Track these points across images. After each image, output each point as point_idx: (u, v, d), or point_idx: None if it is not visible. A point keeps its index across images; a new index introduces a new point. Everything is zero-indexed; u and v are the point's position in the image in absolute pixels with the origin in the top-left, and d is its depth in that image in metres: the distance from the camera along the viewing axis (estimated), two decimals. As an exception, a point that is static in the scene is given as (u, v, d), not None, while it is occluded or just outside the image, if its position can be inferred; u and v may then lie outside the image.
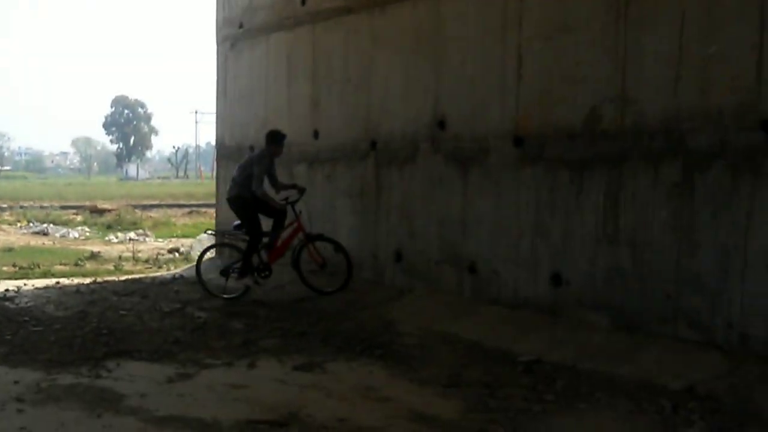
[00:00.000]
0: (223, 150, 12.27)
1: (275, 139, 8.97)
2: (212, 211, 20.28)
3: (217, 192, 12.45)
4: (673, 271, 6.07)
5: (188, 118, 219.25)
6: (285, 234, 9.17)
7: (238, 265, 9.14)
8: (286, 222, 9.14)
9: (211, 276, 9.58)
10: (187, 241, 16.08)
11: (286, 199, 9.09)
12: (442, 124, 8.25)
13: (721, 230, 5.76)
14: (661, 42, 6.22)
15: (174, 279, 10.95)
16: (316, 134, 10.05)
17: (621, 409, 5.19)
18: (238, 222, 9.17)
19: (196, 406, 5.31)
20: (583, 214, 6.80)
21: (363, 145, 9.34)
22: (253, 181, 8.79)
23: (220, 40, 12.19)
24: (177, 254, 14.88)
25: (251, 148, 10.96)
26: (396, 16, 8.82)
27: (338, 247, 9.10)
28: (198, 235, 16.05)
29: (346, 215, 9.65)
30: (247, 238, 9.06)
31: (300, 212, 9.10)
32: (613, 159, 6.56)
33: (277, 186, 9.19)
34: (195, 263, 9.94)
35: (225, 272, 9.25)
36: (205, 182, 48.99)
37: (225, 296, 9.18)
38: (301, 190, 9.17)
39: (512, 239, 7.44)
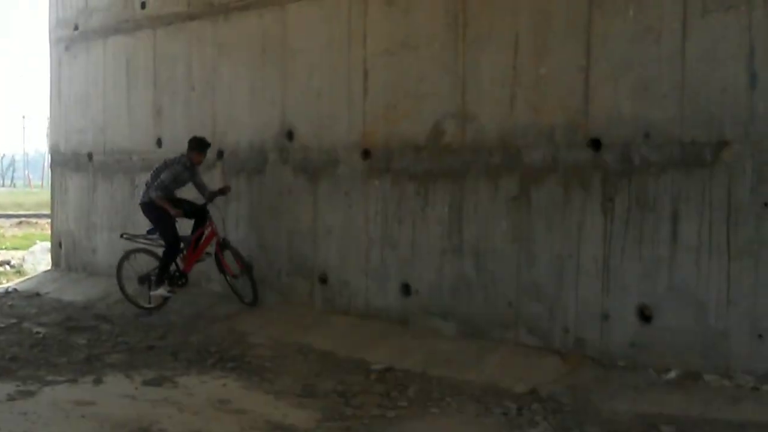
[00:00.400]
0: (58, 157, 11.71)
1: (197, 145, 8.45)
2: (44, 221, 19.24)
3: (53, 201, 11.90)
4: (514, 280, 6.46)
5: (15, 124, 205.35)
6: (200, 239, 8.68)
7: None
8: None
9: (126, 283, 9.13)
10: (18, 253, 15.22)
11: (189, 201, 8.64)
12: (290, 135, 8.30)
13: (556, 241, 6.19)
14: (497, 62, 6.56)
15: (7, 293, 10.38)
16: (159, 142, 9.82)
17: (470, 413, 5.45)
18: (151, 227, 8.69)
19: (41, 424, 5.12)
20: (429, 225, 7.08)
21: (209, 155, 9.23)
22: (155, 184, 8.35)
23: (54, 42, 11.61)
24: (8, 267, 14.05)
25: (89, 156, 10.56)
26: (241, 25, 8.77)
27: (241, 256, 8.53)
28: (30, 246, 15.22)
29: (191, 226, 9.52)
30: (162, 243, 8.62)
31: (210, 217, 8.52)
32: (456, 173, 6.87)
33: (206, 194, 8.62)
34: (116, 270, 9.16)
35: (143, 280, 8.81)
36: (35, 191, 46.22)
37: (148, 306, 8.80)
38: (222, 191, 8.61)
39: (362, 250, 7.62)
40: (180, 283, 8.72)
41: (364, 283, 7.61)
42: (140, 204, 8.64)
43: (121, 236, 8.91)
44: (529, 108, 6.37)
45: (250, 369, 6.66)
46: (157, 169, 8.55)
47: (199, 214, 8.60)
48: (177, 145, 9.54)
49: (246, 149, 8.82)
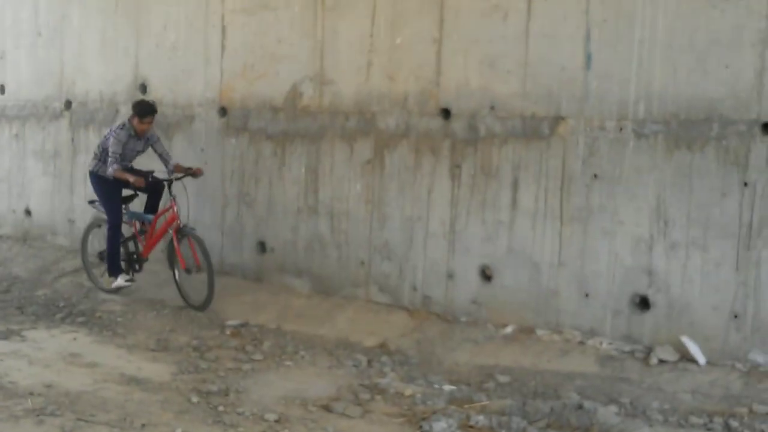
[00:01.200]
0: None
1: (139, 111, 7.10)
2: None
3: None
4: (366, 240, 6.75)
5: None
6: (159, 221, 7.39)
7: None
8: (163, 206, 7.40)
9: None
10: None
11: (154, 175, 7.25)
12: (144, 88, 8.18)
13: (407, 203, 6.52)
14: (355, 29, 6.74)
15: None
16: (2, 89, 9.37)
17: (322, 365, 5.72)
18: (95, 198, 7.55)
19: None
20: (285, 185, 7.24)
21: (56, 104, 8.93)
22: (108, 159, 7.11)
23: None
24: None
25: None
26: (91, -28, 8.48)
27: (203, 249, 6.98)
28: None
29: (38, 177, 9.21)
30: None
31: (174, 196, 7.12)
32: (313, 135, 7.04)
33: (170, 167, 7.30)
34: (80, 242, 8.07)
35: (103, 257, 7.61)
36: None
37: (108, 289, 7.61)
38: (193, 172, 7.24)
39: (218, 207, 7.70)
40: (138, 267, 7.58)
41: (220, 240, 7.70)
42: (89, 173, 7.50)
43: (90, 203, 7.67)
44: (384, 76, 6.61)
45: (101, 324, 6.66)
46: (105, 137, 7.32)
47: (158, 188, 7.40)
48: (21, 92, 9.17)
49: (96, 100, 8.60)
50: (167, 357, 5.81)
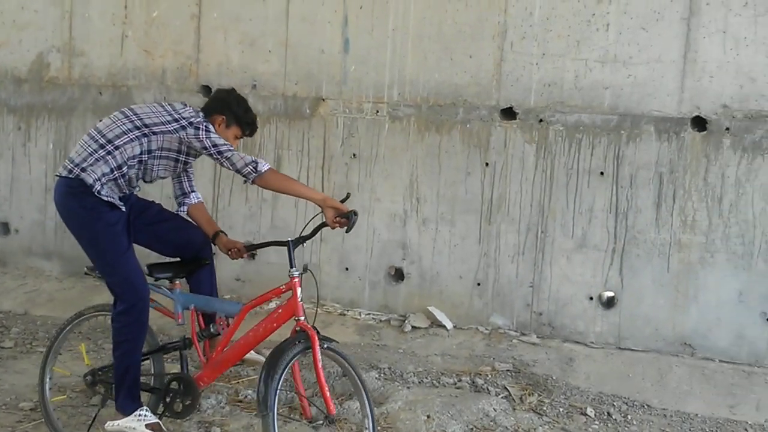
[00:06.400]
0: None
1: (250, 122, 3.98)
2: None
3: None
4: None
5: None
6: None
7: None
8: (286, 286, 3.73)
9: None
10: None
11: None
12: None
13: (167, 183, 6.37)
14: (107, 0, 6.49)
15: None
16: None
17: (76, 348, 5.50)
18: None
19: None
20: (31, 162, 6.80)
21: None
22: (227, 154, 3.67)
23: None
24: None
25: None
26: None
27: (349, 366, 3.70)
28: None
29: None
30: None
31: (306, 269, 3.70)
32: (62, 108, 6.67)
33: (187, 202, 4.08)
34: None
35: (95, 379, 4.01)
36: None
37: None
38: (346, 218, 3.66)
39: (-49, 186, 7.06)
40: (181, 407, 3.80)
41: (-46, 222, 7.08)
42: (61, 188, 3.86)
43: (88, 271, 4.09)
44: (140, 49, 6.42)
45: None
46: (125, 116, 3.77)
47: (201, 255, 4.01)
48: None
49: None
50: None
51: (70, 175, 3.66)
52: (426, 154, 5.67)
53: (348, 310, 5.89)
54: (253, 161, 3.62)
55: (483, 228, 5.56)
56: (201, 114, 3.82)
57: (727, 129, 4.94)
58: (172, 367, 4.34)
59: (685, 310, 5.10)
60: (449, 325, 5.62)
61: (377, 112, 5.76)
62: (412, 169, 5.71)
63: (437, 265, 5.70)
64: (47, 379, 4.12)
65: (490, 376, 5.00)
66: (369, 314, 5.84)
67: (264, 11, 6.02)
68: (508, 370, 5.07)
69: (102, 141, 3.69)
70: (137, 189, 3.96)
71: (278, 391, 3.31)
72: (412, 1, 5.62)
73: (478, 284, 5.60)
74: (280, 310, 3.65)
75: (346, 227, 3.62)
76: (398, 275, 5.83)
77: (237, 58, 6.13)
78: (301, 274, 3.60)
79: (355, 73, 5.81)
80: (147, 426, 3.64)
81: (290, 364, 3.44)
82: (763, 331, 4.96)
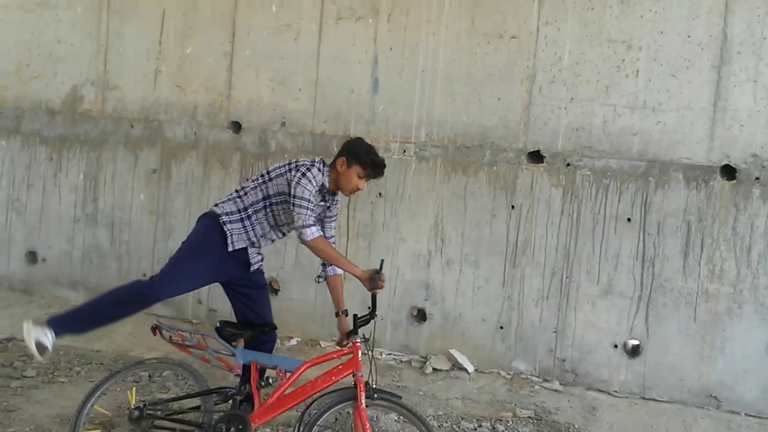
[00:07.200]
0: None
1: (374, 166, 4.11)
2: None
3: None
4: (150, 252, 6.59)
5: None
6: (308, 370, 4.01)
7: None
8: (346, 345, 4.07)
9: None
10: None
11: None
12: None
13: (194, 215, 6.41)
14: (142, 35, 6.59)
15: None
16: None
17: (99, 380, 5.52)
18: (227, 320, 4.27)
19: None
20: (62, 192, 6.89)
21: None
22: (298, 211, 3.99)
23: None
24: None
25: None
26: None
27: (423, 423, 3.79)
28: None
29: None
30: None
31: (365, 338, 3.97)
32: (94, 141, 6.77)
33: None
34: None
35: (140, 417, 4.05)
36: None
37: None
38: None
39: (-18, 213, 7.16)
40: None
41: (-16, 250, 7.16)
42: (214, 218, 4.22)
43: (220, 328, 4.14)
44: (173, 85, 6.52)
45: None
46: (268, 172, 4.20)
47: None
48: None
49: None
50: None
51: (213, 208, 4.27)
52: (452, 195, 5.66)
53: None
54: (307, 226, 3.94)
55: (507, 271, 5.53)
56: (318, 163, 4.12)
57: (757, 179, 4.89)
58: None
59: (712, 361, 5.01)
60: (470, 368, 5.56)
61: (404, 151, 5.78)
62: (438, 210, 5.70)
63: (460, 307, 5.66)
64: (84, 412, 4.12)
65: (510, 422, 4.93)
66: (390, 354, 5.80)
67: (295, 50, 6.09)
68: (529, 417, 4.99)
69: (238, 187, 4.30)
70: (269, 241, 4.30)
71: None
72: (441, 43, 5.66)
73: (501, 327, 5.55)
74: (340, 367, 3.91)
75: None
76: (420, 316, 5.79)
77: (267, 96, 6.20)
78: (363, 341, 3.91)
79: (383, 113, 5.85)
80: (39, 343, 3.85)
81: (331, 410, 3.79)
82: (792, 385, 4.85)
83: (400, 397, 3.86)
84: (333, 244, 4.26)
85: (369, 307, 4.00)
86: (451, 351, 5.61)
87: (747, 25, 4.90)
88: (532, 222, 5.44)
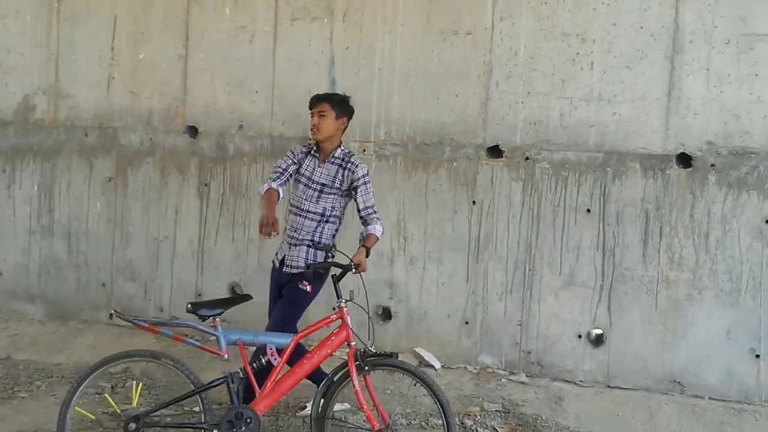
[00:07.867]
0: None
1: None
2: None
3: None
4: (108, 261, 6.49)
5: None
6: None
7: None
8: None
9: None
10: None
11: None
12: None
13: (153, 223, 6.37)
14: (94, 42, 6.50)
15: None
16: None
17: (61, 395, 5.39)
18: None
19: None
20: (16, 204, 6.75)
21: None
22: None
23: None
24: None
25: None
26: None
27: (422, 380, 4.00)
28: None
29: None
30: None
31: (351, 297, 4.21)
32: (47, 150, 6.65)
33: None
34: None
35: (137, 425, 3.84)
36: None
37: None
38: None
39: (-67, 228, 6.98)
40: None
41: (-64, 265, 6.98)
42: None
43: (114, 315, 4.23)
44: (127, 91, 6.43)
45: None
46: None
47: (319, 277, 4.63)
48: None
49: None
50: None
51: None
52: (413, 193, 5.66)
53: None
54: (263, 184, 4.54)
55: (470, 266, 5.54)
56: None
57: (713, 165, 4.97)
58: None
59: (674, 348, 5.08)
60: (437, 364, 5.56)
61: (364, 150, 5.77)
62: (399, 208, 5.70)
63: (425, 304, 5.66)
64: (69, 416, 3.94)
65: (479, 416, 4.94)
66: (357, 355, 5.77)
67: (251, 52, 6.05)
68: (497, 411, 5.01)
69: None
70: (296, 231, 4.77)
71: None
72: (398, 42, 5.66)
73: (466, 323, 5.56)
74: (333, 338, 4.06)
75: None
76: (386, 315, 5.78)
77: (224, 99, 6.14)
78: (347, 302, 4.08)
79: (342, 113, 5.81)
80: None
81: (336, 394, 4.02)
82: (752, 367, 4.93)
83: (396, 356, 4.01)
84: (374, 233, 4.55)
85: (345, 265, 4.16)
86: (417, 349, 5.61)
87: (698, 14, 4.98)
88: (494, 216, 5.47)
